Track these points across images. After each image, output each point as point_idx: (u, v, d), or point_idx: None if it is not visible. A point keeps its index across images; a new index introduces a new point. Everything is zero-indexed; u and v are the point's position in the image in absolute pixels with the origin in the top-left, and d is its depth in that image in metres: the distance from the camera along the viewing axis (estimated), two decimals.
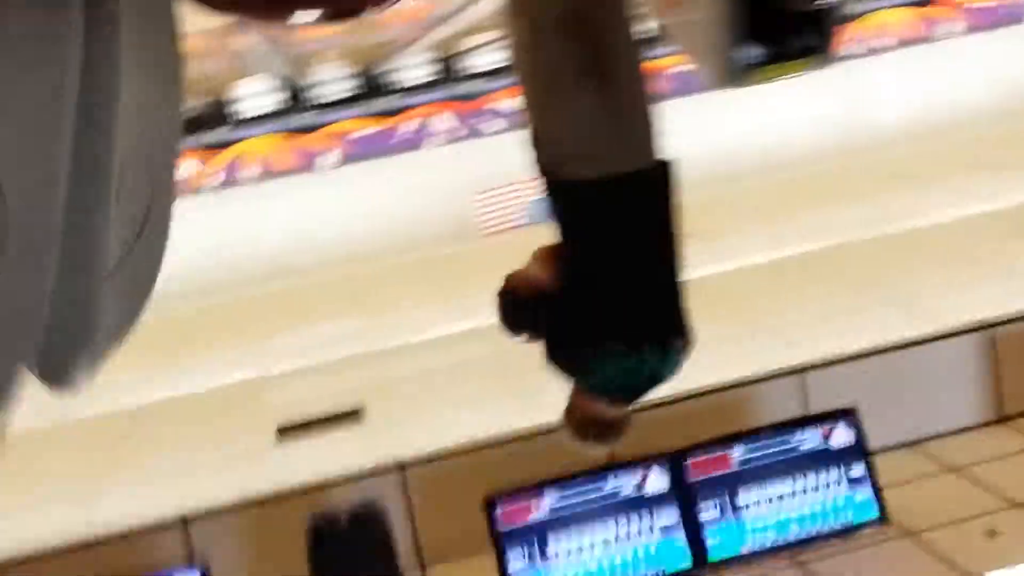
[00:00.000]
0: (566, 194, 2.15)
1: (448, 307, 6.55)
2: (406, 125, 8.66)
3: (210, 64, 8.62)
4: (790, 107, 13.22)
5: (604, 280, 2.14)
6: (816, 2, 2.68)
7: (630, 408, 2.29)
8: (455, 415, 4.48)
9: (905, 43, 10.01)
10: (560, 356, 2.13)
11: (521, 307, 2.15)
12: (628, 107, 2.15)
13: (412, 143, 8.52)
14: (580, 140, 2.10)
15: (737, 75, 2.77)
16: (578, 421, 2.29)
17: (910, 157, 9.22)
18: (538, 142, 2.17)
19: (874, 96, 13.04)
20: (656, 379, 2.21)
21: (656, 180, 2.19)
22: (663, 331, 2.20)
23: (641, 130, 2.19)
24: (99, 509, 4.93)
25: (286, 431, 3.79)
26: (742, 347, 4.70)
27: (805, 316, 5.65)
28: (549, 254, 2.17)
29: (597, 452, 2.33)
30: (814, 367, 3.96)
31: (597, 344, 2.12)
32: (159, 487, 4.72)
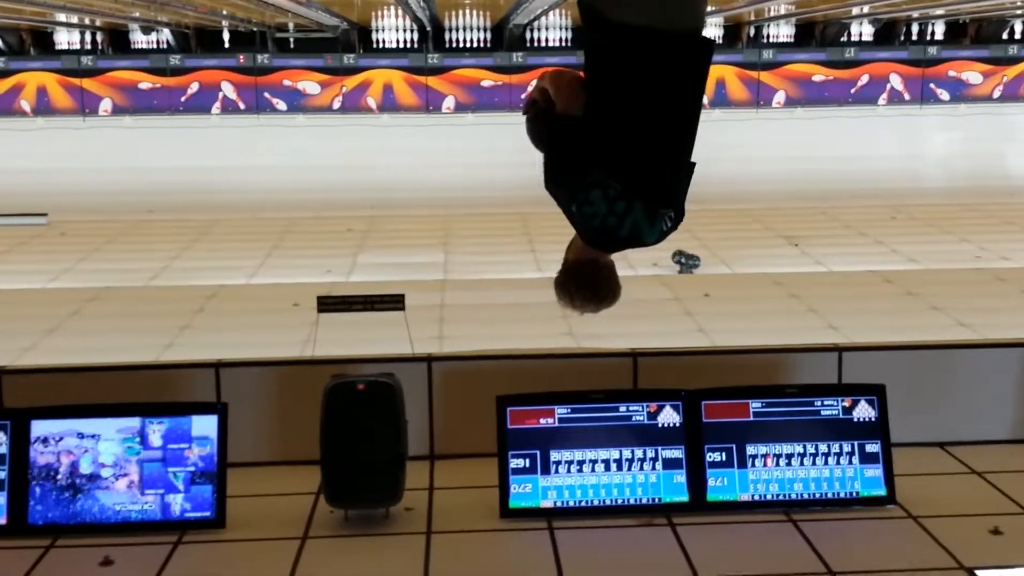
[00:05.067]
0: (603, 32, 2.21)
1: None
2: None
3: None
4: (924, 143, 12.98)
5: (620, 126, 2.22)
6: None
7: (610, 258, 2.36)
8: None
9: None
10: (566, 175, 2.23)
11: (547, 121, 2.25)
12: None
13: None
14: None
15: None
16: (564, 267, 2.38)
17: None
18: None
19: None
20: (637, 235, 2.28)
21: (686, 48, 2.23)
22: (659, 194, 2.28)
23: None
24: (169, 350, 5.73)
25: (326, 304, 3.92)
26: (794, 326, 4.70)
27: (866, 319, 5.59)
28: (580, 82, 2.25)
29: (582, 309, 2.40)
30: (853, 349, 3.93)
31: (599, 174, 2.22)
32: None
